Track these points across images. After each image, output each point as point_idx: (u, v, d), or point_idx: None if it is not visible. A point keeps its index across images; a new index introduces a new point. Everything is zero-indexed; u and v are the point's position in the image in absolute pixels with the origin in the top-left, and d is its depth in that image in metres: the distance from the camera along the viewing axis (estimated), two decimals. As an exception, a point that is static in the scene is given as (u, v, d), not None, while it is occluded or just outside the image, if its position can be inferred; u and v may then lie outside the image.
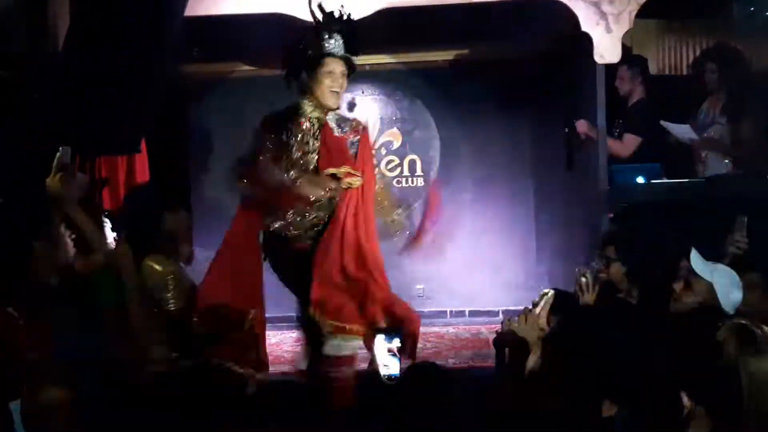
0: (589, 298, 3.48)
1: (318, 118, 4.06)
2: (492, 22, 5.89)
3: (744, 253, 3.51)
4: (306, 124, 4.04)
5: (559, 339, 2.29)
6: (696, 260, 3.07)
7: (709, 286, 2.98)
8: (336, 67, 3.98)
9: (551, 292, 2.96)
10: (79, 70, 3.94)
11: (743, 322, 2.02)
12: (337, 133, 4.09)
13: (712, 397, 1.96)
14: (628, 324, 2.31)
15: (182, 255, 3.91)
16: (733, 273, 3.04)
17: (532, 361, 2.78)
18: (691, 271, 3.05)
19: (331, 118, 4.10)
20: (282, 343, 5.95)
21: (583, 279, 3.53)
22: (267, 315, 6.55)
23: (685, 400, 2.00)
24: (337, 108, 4.13)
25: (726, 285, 2.98)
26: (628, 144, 5.06)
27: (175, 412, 1.60)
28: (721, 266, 3.14)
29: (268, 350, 5.64)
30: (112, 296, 2.98)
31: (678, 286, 3.09)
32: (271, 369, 5.09)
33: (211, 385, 1.67)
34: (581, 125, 4.99)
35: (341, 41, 3.98)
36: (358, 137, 4.17)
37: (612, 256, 3.72)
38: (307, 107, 4.05)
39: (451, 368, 4.56)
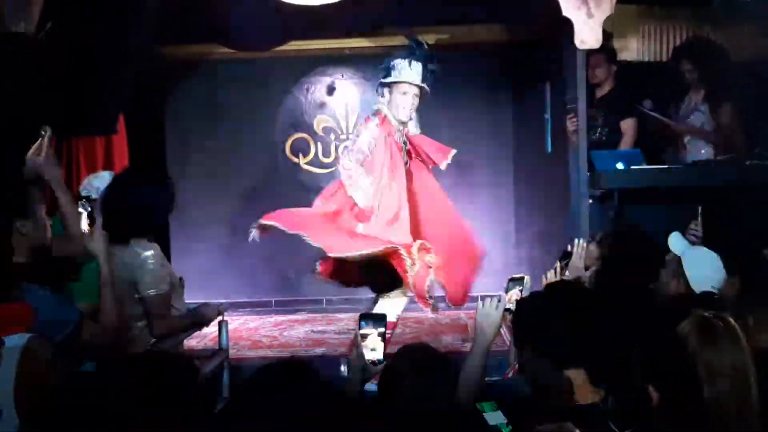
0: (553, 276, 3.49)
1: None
2: (473, 7, 5.87)
3: (700, 241, 3.54)
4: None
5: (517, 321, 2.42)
6: (673, 239, 3.13)
7: (681, 264, 3.03)
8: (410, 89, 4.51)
9: (527, 277, 3.01)
10: (54, 51, 3.87)
11: (705, 314, 2.01)
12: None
13: (673, 389, 1.97)
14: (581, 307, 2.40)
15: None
16: (714, 255, 3.07)
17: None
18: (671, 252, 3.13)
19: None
20: (260, 328, 5.94)
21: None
22: (246, 300, 6.61)
23: (652, 391, 2.01)
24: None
25: (698, 264, 3.02)
26: (628, 130, 5.13)
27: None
28: (701, 248, 3.19)
29: (246, 335, 5.66)
30: (90, 281, 2.93)
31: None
32: (250, 353, 5.09)
33: (162, 373, 1.64)
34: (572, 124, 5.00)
35: (420, 70, 4.50)
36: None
37: (597, 238, 3.72)
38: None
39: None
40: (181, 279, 3.87)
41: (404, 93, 4.51)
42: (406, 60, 4.51)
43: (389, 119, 4.54)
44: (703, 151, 4.92)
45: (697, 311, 2.03)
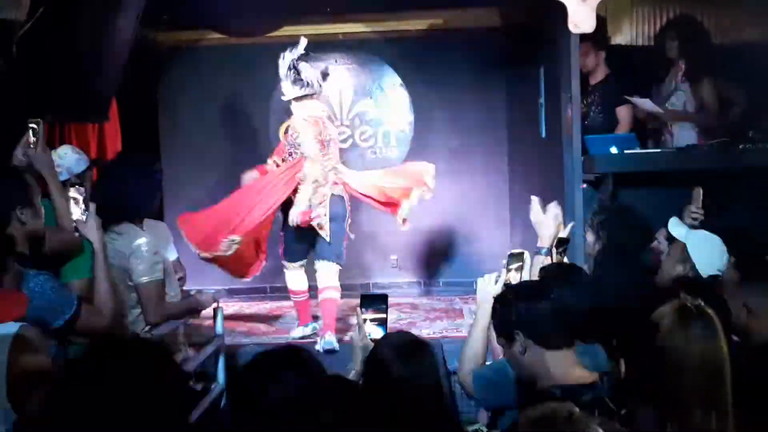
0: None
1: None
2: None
3: (700, 224, 3.52)
4: None
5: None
6: (673, 224, 3.13)
7: (686, 249, 3.04)
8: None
9: (526, 253, 3.03)
10: (45, 38, 3.85)
11: (687, 304, 2.01)
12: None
13: (641, 369, 2.00)
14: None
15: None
16: (716, 238, 3.07)
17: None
18: (671, 237, 3.12)
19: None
20: (256, 314, 5.94)
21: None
22: (241, 286, 6.61)
23: (621, 364, 2.03)
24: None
25: (702, 248, 3.03)
26: (625, 116, 5.14)
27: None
28: (702, 231, 3.18)
29: (242, 321, 5.66)
30: (84, 269, 2.93)
31: (659, 247, 3.15)
32: (246, 340, 5.10)
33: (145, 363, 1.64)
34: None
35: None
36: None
37: (595, 223, 3.68)
38: None
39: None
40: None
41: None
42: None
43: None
44: (689, 135, 4.94)
45: (680, 298, 2.03)
